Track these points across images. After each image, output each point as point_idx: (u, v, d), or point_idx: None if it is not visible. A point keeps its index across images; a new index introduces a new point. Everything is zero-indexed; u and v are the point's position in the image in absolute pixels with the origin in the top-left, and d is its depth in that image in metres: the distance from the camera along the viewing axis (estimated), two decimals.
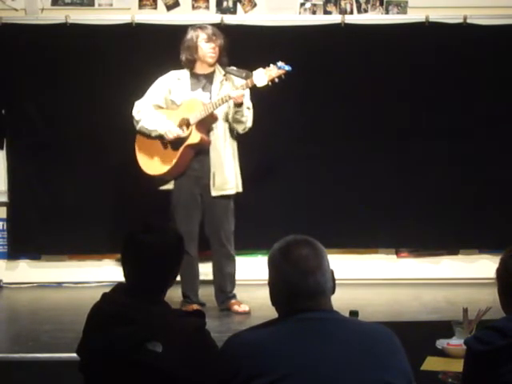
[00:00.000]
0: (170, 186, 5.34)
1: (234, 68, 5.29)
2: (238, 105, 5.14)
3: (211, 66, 5.30)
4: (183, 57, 5.32)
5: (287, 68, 5.06)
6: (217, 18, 6.30)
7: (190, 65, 5.33)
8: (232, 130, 5.32)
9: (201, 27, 5.34)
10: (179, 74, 5.35)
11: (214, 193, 5.23)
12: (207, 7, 6.45)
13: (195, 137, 5.20)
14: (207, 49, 5.25)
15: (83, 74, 6.26)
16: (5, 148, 6.41)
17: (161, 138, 5.29)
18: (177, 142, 5.25)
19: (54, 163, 6.36)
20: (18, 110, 6.36)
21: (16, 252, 6.47)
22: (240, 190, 5.36)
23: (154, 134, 5.30)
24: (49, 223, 6.36)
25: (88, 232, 6.32)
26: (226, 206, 5.30)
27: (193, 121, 5.20)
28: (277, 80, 5.06)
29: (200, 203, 5.30)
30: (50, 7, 6.41)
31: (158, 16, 6.38)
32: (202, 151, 5.24)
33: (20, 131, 6.38)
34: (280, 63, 5.06)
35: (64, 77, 6.29)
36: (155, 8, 6.45)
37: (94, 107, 6.25)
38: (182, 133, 5.21)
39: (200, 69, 5.32)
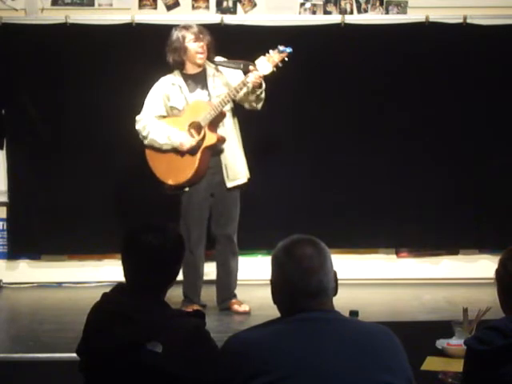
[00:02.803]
0: (186, 188, 5.29)
1: (223, 60, 5.27)
2: (259, 86, 5.10)
3: (201, 65, 5.28)
4: (170, 58, 5.27)
5: (288, 50, 5.06)
6: (217, 18, 6.31)
7: (180, 66, 5.29)
8: (236, 120, 5.30)
9: (185, 27, 5.29)
10: (172, 78, 5.31)
11: (229, 184, 5.22)
12: (207, 7, 6.45)
13: (211, 138, 5.16)
14: (196, 48, 5.22)
15: (83, 73, 6.26)
16: (5, 148, 6.41)
17: (173, 150, 5.23)
18: (192, 147, 5.20)
19: (54, 163, 6.36)
20: (18, 110, 6.36)
21: (16, 252, 6.47)
22: (249, 176, 5.36)
23: (165, 148, 5.24)
24: (49, 223, 6.36)
25: (88, 232, 6.31)
26: (235, 201, 5.28)
27: (204, 123, 5.15)
28: (280, 64, 5.05)
29: (210, 203, 5.29)
30: (50, 7, 6.41)
31: (158, 16, 6.38)
32: (219, 149, 5.22)
33: (20, 131, 6.38)
34: (281, 47, 5.06)
35: (64, 77, 6.29)
36: (155, 8, 6.45)
37: (94, 107, 6.24)
38: (195, 142, 5.16)
39: (191, 69, 5.29)
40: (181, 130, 5.23)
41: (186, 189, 5.27)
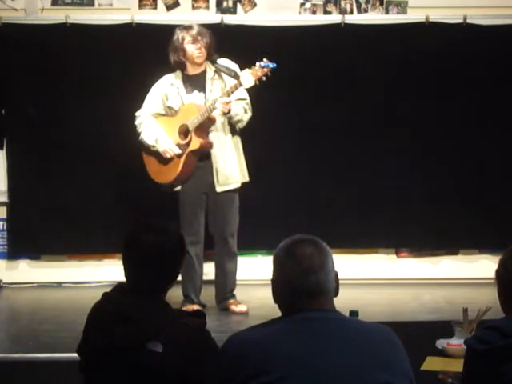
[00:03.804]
0: (178, 187, 5.33)
1: (224, 64, 5.28)
2: (226, 113, 5.15)
3: (200, 65, 5.30)
4: (172, 59, 5.31)
5: (271, 65, 5.05)
6: (217, 18, 6.30)
7: (181, 66, 5.32)
8: (232, 124, 5.32)
9: (186, 28, 5.31)
10: (171, 78, 5.34)
11: (218, 189, 5.24)
12: (207, 7, 6.45)
13: (195, 143, 5.20)
14: (193, 50, 5.24)
15: (83, 73, 6.26)
16: (5, 148, 6.41)
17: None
18: (176, 155, 5.26)
19: (54, 163, 6.36)
20: (18, 109, 6.36)
21: (16, 252, 6.47)
22: (246, 179, 5.36)
23: (152, 149, 5.33)
24: (49, 223, 6.36)
25: (88, 232, 6.32)
26: (231, 202, 5.30)
27: (191, 127, 5.19)
28: (264, 78, 5.05)
29: (205, 204, 5.31)
30: (50, 7, 6.41)
31: (158, 16, 6.38)
32: (206, 153, 5.25)
33: (20, 131, 6.38)
34: (263, 62, 5.05)
35: (64, 77, 6.29)
36: (155, 8, 6.45)
37: (94, 107, 6.24)
38: (178, 151, 5.22)
39: (191, 69, 5.32)
40: (172, 132, 5.28)
41: (178, 188, 5.31)
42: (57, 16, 6.31)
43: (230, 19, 6.33)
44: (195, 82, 5.31)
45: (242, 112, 5.25)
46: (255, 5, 6.47)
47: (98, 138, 6.27)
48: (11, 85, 6.33)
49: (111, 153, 6.26)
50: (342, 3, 6.45)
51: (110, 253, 6.27)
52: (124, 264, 2.74)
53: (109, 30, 6.27)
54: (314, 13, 6.47)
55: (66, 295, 6.14)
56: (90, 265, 6.47)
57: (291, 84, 5.99)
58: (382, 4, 6.47)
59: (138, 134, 5.36)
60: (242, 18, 6.42)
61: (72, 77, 6.28)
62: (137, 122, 5.37)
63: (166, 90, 5.33)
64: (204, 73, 5.31)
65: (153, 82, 5.39)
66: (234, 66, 5.26)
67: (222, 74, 5.27)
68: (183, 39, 5.25)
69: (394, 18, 6.42)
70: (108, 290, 2.76)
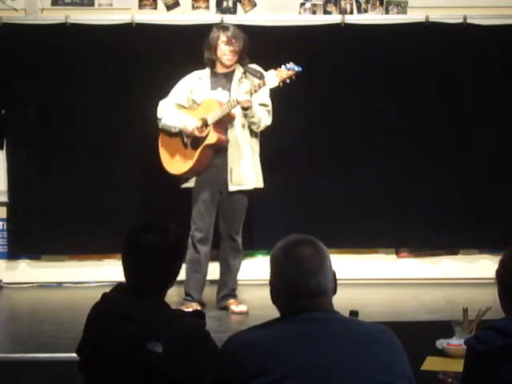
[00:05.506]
0: (190, 184, 5.37)
1: (253, 66, 5.34)
2: (245, 108, 5.17)
3: (229, 67, 5.33)
4: (205, 55, 5.38)
5: (297, 69, 5.12)
6: (217, 17, 6.30)
7: (211, 64, 5.39)
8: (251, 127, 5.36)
9: (223, 28, 5.41)
10: (200, 73, 5.41)
11: (231, 188, 5.27)
12: (207, 7, 6.45)
13: (212, 137, 5.24)
14: (225, 51, 5.30)
15: (83, 73, 6.27)
16: (5, 148, 6.41)
17: (181, 134, 5.33)
18: (196, 142, 5.29)
19: (54, 163, 6.36)
20: (18, 109, 6.36)
21: (16, 252, 6.47)
22: (260, 185, 5.39)
23: (173, 130, 5.36)
24: (49, 223, 6.36)
25: (88, 232, 6.32)
26: (241, 202, 5.34)
27: (210, 121, 5.23)
28: (288, 81, 5.12)
29: (218, 202, 5.33)
30: (50, 7, 6.41)
31: (158, 16, 6.38)
32: (221, 149, 5.27)
33: (20, 131, 6.38)
34: (289, 65, 5.12)
35: (64, 77, 6.28)
36: (155, 8, 6.45)
37: (94, 107, 6.25)
38: (199, 125, 5.24)
39: (220, 68, 5.38)
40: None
41: (191, 184, 5.30)
42: (57, 16, 6.31)
43: (229, 19, 6.32)
44: (222, 80, 5.36)
45: (261, 116, 5.28)
46: (255, 5, 6.47)
47: (97, 137, 6.27)
48: (11, 85, 6.33)
49: (111, 153, 6.26)
50: (342, 3, 6.46)
51: (110, 253, 6.27)
52: (124, 264, 2.74)
53: (109, 30, 6.27)
54: (314, 13, 6.47)
55: (66, 295, 6.14)
56: (90, 265, 6.46)
57: (290, 84, 5.98)
58: (382, 4, 6.47)
59: (159, 120, 5.39)
60: (242, 17, 6.41)
61: (72, 77, 6.28)
62: (158, 109, 5.40)
63: (193, 83, 5.39)
64: (232, 73, 5.37)
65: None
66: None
67: (250, 76, 5.31)
68: (218, 38, 5.32)
69: (394, 17, 6.42)
70: (108, 290, 2.75)
